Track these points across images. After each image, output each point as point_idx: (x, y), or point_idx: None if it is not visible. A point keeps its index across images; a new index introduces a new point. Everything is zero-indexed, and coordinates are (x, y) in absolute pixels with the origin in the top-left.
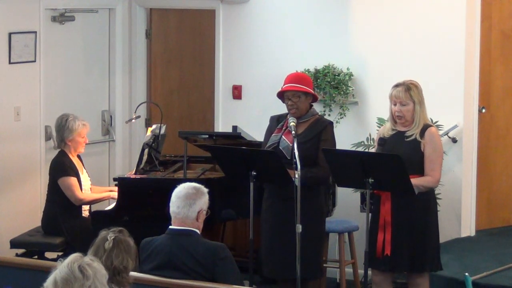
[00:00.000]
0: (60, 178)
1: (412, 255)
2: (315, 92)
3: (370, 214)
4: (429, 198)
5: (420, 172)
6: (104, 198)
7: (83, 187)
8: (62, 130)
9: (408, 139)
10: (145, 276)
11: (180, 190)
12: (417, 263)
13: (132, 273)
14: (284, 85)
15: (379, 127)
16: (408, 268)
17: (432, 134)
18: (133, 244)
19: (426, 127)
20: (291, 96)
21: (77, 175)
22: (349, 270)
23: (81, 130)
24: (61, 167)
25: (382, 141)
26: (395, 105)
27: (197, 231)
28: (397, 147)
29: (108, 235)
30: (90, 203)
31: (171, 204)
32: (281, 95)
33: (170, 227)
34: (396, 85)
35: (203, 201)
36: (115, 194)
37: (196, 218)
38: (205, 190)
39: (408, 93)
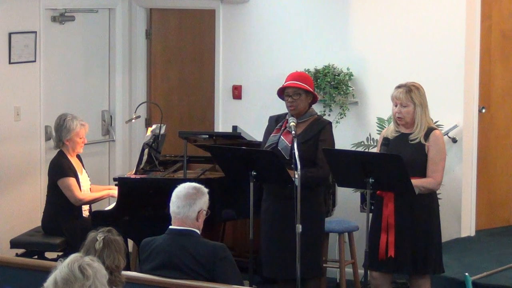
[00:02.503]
0: (59, 179)
1: (415, 257)
2: (316, 93)
3: (370, 215)
4: (432, 200)
5: (423, 174)
6: (104, 196)
7: (82, 187)
8: (60, 130)
9: (412, 142)
10: (145, 276)
11: (180, 190)
12: (420, 265)
13: (130, 273)
14: (285, 82)
15: (379, 127)
16: (411, 270)
17: (437, 137)
18: (123, 243)
19: (430, 130)
20: (292, 93)
21: (75, 176)
22: (349, 270)
23: (79, 130)
24: (60, 168)
25: (386, 140)
26: (396, 106)
27: (197, 231)
28: (402, 149)
29: (98, 235)
30: (90, 202)
31: (171, 204)
32: (282, 92)
33: (170, 227)
34: (398, 86)
35: (203, 201)
36: (114, 192)
37: (196, 218)
38: (205, 190)
39: (408, 94)
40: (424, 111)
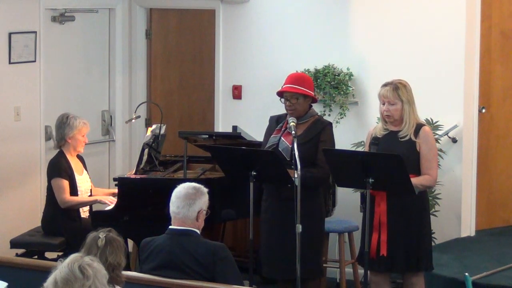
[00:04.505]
0: (53, 178)
1: (408, 255)
2: (315, 93)
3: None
4: (423, 198)
5: (416, 171)
6: (91, 202)
7: (79, 188)
8: (63, 127)
9: (402, 139)
10: (145, 276)
11: (180, 190)
12: (412, 262)
13: (130, 273)
14: (284, 85)
15: None
16: (404, 268)
17: (427, 133)
18: (123, 243)
19: (419, 126)
20: (290, 97)
21: (71, 177)
22: (349, 270)
23: (81, 127)
24: (56, 168)
25: (376, 140)
26: (383, 104)
27: (197, 231)
28: (392, 147)
29: (99, 234)
30: (76, 206)
31: (171, 204)
32: (281, 94)
33: (170, 227)
34: (385, 85)
35: (203, 201)
36: (102, 199)
37: (196, 218)
38: (205, 190)
39: (396, 92)
40: (412, 107)
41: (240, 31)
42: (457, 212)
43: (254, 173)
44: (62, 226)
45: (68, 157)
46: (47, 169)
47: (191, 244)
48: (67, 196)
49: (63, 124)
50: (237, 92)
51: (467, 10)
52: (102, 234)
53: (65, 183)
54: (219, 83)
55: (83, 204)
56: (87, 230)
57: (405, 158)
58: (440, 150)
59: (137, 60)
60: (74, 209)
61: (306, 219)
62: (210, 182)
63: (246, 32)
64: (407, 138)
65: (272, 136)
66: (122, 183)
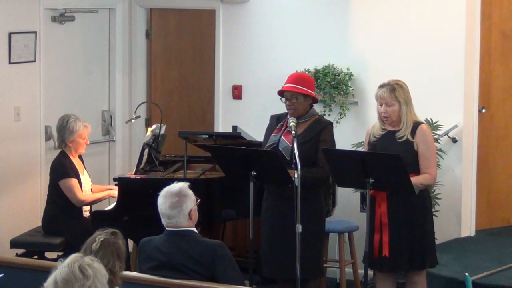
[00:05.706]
0: (61, 179)
1: (411, 254)
2: (316, 93)
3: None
4: (424, 196)
5: (415, 171)
6: (105, 197)
7: (83, 188)
8: (63, 131)
9: (400, 140)
10: (144, 276)
11: (164, 201)
12: (416, 261)
13: (130, 273)
14: (285, 84)
15: None
16: (408, 267)
17: (424, 132)
18: (124, 248)
19: (416, 125)
20: (290, 97)
21: (77, 176)
22: (349, 270)
23: (82, 131)
24: (62, 168)
25: (373, 146)
26: (381, 105)
27: (195, 230)
28: (390, 148)
29: (97, 236)
30: (91, 203)
31: (161, 215)
32: (281, 94)
33: (167, 228)
34: (381, 86)
35: (189, 201)
36: (115, 193)
37: (189, 217)
38: (185, 187)
39: (393, 93)
40: (409, 108)
41: (240, 31)
42: (457, 212)
43: (254, 173)
44: (63, 225)
45: (70, 157)
46: (51, 171)
47: (189, 244)
48: (81, 195)
49: (63, 128)
50: (237, 92)
51: (467, 10)
52: (100, 237)
53: (76, 182)
54: (219, 83)
55: (98, 200)
56: (88, 230)
57: (403, 158)
58: (440, 150)
59: (137, 60)
60: (77, 208)
61: (307, 219)
62: (210, 182)
63: (246, 32)
64: (404, 138)
65: (272, 135)
66: (122, 183)
